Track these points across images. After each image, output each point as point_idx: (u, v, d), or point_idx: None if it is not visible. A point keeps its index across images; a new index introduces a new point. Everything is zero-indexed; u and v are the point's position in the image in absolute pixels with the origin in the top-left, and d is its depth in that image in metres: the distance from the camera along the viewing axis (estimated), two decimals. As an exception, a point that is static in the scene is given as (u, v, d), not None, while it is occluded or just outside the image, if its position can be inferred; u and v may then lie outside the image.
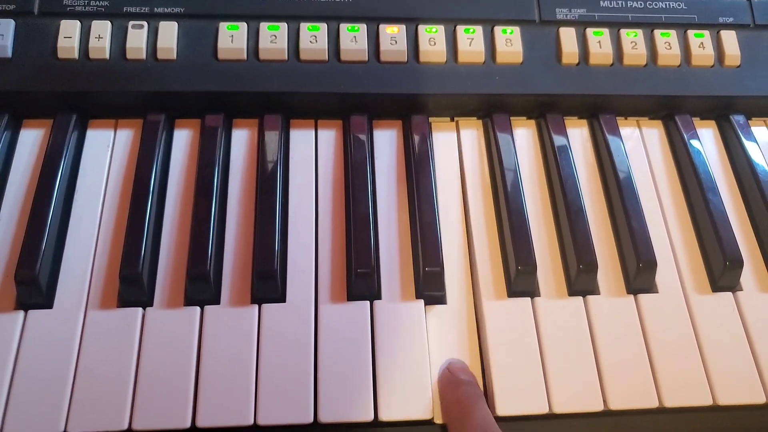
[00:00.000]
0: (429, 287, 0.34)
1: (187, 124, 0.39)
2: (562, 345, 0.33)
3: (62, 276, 0.34)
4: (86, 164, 0.37)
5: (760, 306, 0.36)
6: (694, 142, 0.40)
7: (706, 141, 0.42)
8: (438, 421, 0.31)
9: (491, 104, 0.40)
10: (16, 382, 0.31)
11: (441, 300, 0.35)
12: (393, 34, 0.39)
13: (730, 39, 0.41)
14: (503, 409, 0.32)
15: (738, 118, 0.42)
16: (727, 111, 0.42)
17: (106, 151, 0.38)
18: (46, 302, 0.33)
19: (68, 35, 0.37)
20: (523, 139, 0.41)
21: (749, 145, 0.40)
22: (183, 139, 0.39)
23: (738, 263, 0.36)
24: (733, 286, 0.36)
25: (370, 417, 0.31)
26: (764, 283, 0.37)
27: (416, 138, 0.39)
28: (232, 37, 0.38)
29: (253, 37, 0.39)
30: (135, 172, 0.36)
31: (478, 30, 0.40)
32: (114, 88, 0.37)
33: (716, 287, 0.36)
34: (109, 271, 0.34)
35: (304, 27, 0.39)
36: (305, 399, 0.31)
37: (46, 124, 0.38)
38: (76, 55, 0.37)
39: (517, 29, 0.40)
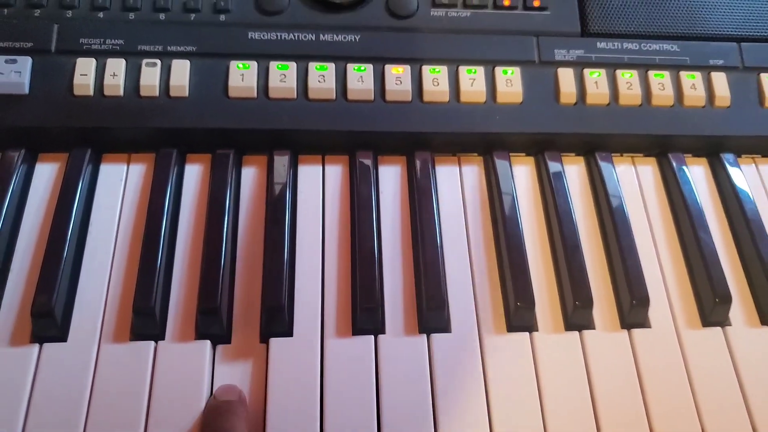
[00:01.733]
0: (432, 322, 0.36)
1: (199, 159, 0.41)
2: (558, 379, 0.35)
3: (77, 309, 0.35)
4: (100, 198, 0.39)
5: (748, 341, 0.37)
6: (687, 180, 0.42)
7: (698, 178, 0.43)
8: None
9: (492, 142, 0.42)
10: (32, 414, 0.32)
11: (446, 332, 0.36)
12: (398, 75, 0.41)
13: (720, 81, 0.43)
14: (502, 441, 0.33)
15: (728, 157, 0.43)
16: (718, 149, 0.44)
17: (120, 185, 0.39)
18: (61, 335, 0.34)
19: (84, 72, 0.38)
20: (522, 175, 0.42)
21: (739, 183, 0.42)
22: (194, 174, 0.40)
23: (727, 299, 0.37)
24: (723, 321, 0.38)
25: (375, 451, 0.32)
26: (752, 319, 0.38)
27: (419, 174, 0.40)
28: (242, 76, 0.39)
29: (263, 75, 0.40)
30: (147, 206, 0.37)
31: (479, 70, 0.41)
32: (128, 124, 0.39)
33: (706, 322, 0.38)
34: (123, 305, 0.35)
35: (313, 66, 0.40)
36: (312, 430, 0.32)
37: (61, 157, 0.39)
38: (91, 92, 0.39)
39: (517, 69, 0.42)
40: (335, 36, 0.41)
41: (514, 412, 0.34)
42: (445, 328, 0.36)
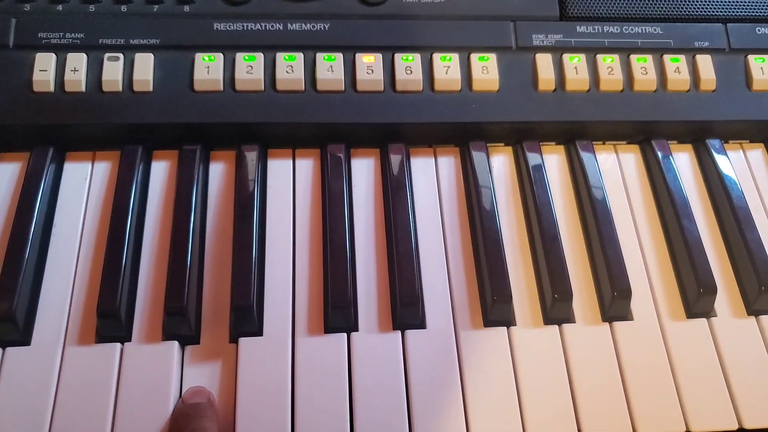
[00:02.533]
0: (406, 318, 0.35)
1: (165, 156, 0.39)
2: (537, 374, 0.34)
3: (40, 312, 0.34)
4: (64, 197, 0.37)
5: (733, 332, 0.36)
6: (670, 167, 0.41)
7: (683, 165, 0.42)
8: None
9: (468, 132, 0.40)
10: (-6, 420, 0.31)
11: (421, 328, 0.35)
12: (369, 63, 0.39)
13: (705, 63, 0.42)
14: (478, 439, 0.32)
15: (714, 143, 0.42)
16: (703, 135, 0.42)
17: (84, 184, 0.38)
18: (24, 339, 0.33)
19: (43, 68, 0.37)
20: (500, 165, 0.41)
21: (725, 169, 0.41)
22: (161, 171, 0.39)
23: (712, 290, 0.36)
24: (708, 312, 0.37)
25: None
26: (738, 309, 0.37)
27: (393, 167, 0.39)
28: (208, 68, 0.38)
29: (230, 67, 0.39)
30: (112, 205, 0.36)
31: (454, 58, 0.40)
32: (90, 121, 0.37)
33: (691, 313, 0.37)
34: (87, 306, 0.34)
35: (281, 57, 0.39)
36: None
37: (23, 157, 0.38)
38: (51, 88, 0.37)
39: (493, 56, 0.40)
40: (303, 25, 0.40)
41: (492, 408, 0.33)
42: (420, 323, 0.35)
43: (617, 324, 0.36)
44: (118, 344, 0.33)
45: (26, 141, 0.38)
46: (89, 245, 0.36)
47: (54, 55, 0.38)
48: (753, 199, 0.40)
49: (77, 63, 0.38)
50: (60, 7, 0.39)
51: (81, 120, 0.37)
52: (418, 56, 0.40)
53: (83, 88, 0.38)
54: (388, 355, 0.34)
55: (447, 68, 0.40)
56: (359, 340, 0.34)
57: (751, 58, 0.43)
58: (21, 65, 0.38)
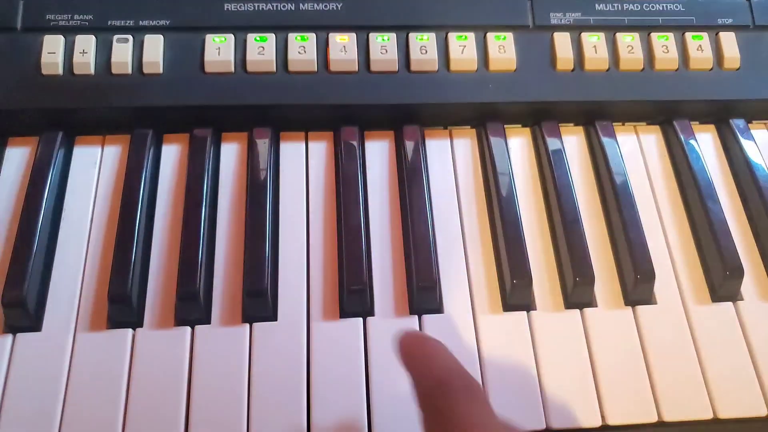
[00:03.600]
0: (423, 302, 0.34)
1: (176, 139, 0.39)
2: (558, 359, 0.33)
3: (50, 297, 0.33)
4: (74, 182, 0.37)
5: (761, 316, 0.35)
6: (693, 148, 0.40)
7: (706, 146, 0.41)
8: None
9: (485, 113, 0.39)
10: (5, 406, 0.30)
11: (438, 313, 0.34)
12: (383, 43, 0.38)
13: (729, 41, 0.40)
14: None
15: (738, 122, 0.41)
16: (726, 115, 0.41)
17: (94, 168, 0.37)
18: (35, 325, 0.33)
19: (52, 51, 0.36)
20: (518, 147, 0.40)
21: (749, 150, 0.40)
22: (172, 154, 0.38)
23: (738, 273, 0.35)
24: (734, 296, 0.36)
25: (364, 437, 0.31)
26: (766, 292, 0.36)
27: (408, 149, 0.38)
28: (219, 50, 0.37)
29: (241, 49, 0.38)
30: (123, 189, 0.36)
31: (470, 37, 0.39)
32: (100, 104, 0.37)
33: (716, 297, 0.35)
34: (99, 292, 0.34)
35: (292, 37, 0.38)
36: (298, 418, 0.31)
37: (32, 141, 0.38)
38: (60, 71, 0.37)
39: (510, 35, 0.39)
40: (316, 4, 0.39)
41: (512, 394, 0.32)
42: (438, 308, 0.34)
43: (640, 308, 0.35)
44: (130, 330, 0.33)
45: (35, 125, 0.37)
46: (99, 230, 0.36)
47: (62, 37, 0.37)
48: (779, 180, 0.39)
49: (86, 45, 0.37)
50: (68, -11, 0.38)
51: (90, 103, 0.37)
52: (433, 35, 0.39)
53: (92, 71, 0.37)
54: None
55: (463, 48, 0.39)
56: (375, 324, 0.33)
57: (776, 35, 0.41)
58: (29, 48, 0.37)
